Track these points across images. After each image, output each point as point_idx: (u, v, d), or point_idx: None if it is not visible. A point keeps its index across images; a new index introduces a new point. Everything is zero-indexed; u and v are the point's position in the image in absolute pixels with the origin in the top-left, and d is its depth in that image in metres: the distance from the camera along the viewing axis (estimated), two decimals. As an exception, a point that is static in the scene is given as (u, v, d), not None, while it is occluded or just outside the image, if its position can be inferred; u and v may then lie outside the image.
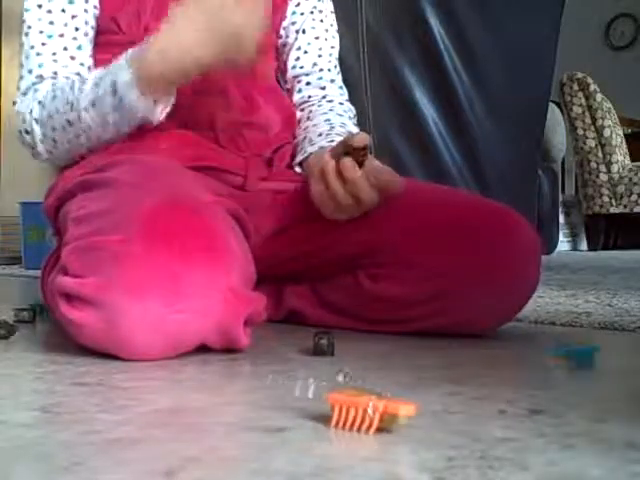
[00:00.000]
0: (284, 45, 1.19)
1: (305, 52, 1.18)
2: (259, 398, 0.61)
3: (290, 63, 1.18)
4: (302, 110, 1.17)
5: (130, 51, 0.93)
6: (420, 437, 0.48)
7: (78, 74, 1.03)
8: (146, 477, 0.40)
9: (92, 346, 0.77)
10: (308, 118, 1.15)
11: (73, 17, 1.04)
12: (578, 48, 5.52)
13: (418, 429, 0.50)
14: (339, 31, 1.24)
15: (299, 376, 0.69)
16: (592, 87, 4.40)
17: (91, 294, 0.74)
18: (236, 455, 0.45)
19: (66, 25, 1.04)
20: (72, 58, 1.04)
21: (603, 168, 4.40)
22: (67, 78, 1.03)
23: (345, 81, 1.26)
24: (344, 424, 0.49)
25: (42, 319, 1.08)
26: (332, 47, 1.20)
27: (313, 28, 1.18)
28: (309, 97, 1.17)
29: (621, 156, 4.46)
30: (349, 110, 1.19)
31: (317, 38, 1.18)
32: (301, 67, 1.17)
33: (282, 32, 1.19)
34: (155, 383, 0.67)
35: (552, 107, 3.31)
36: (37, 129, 1.01)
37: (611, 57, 6.14)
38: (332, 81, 1.18)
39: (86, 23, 1.06)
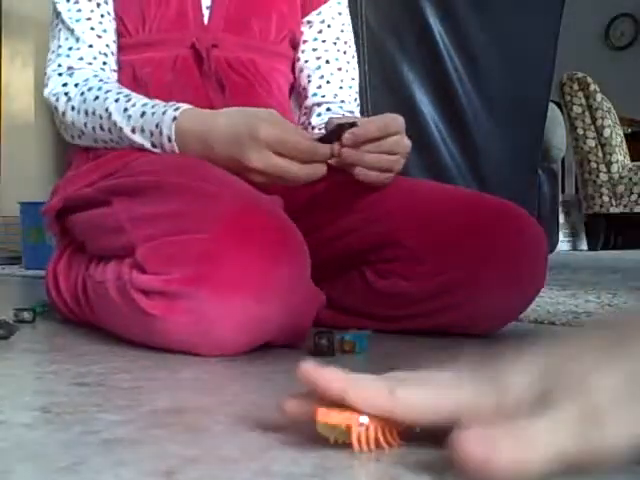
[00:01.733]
0: (302, 70, 1.19)
1: (328, 82, 1.18)
2: (259, 398, 0.61)
3: (311, 90, 1.18)
4: (320, 129, 1.17)
5: (182, 107, 0.95)
6: (420, 437, 0.48)
7: (105, 55, 1.10)
8: (146, 477, 0.40)
9: (176, 341, 0.78)
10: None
11: (98, 5, 1.11)
12: (578, 48, 5.52)
13: (418, 429, 0.50)
14: None
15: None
16: (592, 87, 4.40)
17: (179, 289, 0.76)
18: (236, 455, 0.45)
19: (92, 11, 1.11)
20: (99, 37, 1.10)
21: (603, 168, 4.40)
22: (102, 70, 1.09)
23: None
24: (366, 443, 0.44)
25: (42, 319, 1.08)
26: (353, 79, 1.21)
27: (337, 59, 1.18)
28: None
29: (621, 156, 4.46)
30: None
31: (339, 69, 1.19)
32: (322, 96, 1.18)
33: (300, 55, 1.19)
34: (155, 383, 0.67)
35: (552, 107, 3.31)
36: (69, 114, 1.05)
37: (611, 57, 6.14)
38: (351, 113, 1.19)
39: (108, 13, 1.12)
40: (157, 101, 0.98)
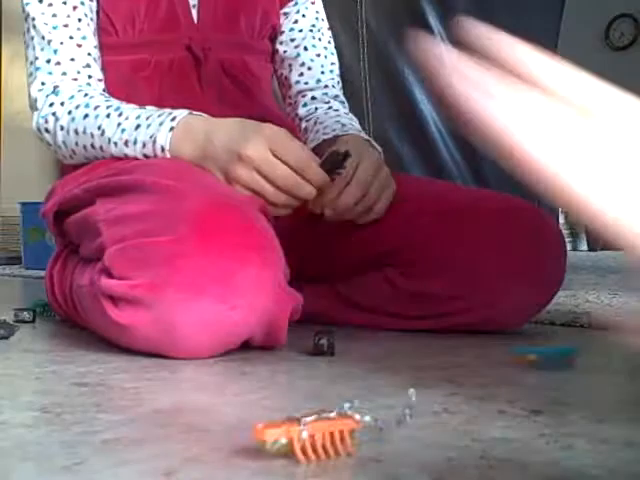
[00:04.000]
0: (282, 60, 1.21)
1: (309, 68, 1.19)
2: (259, 398, 0.61)
3: (294, 78, 1.20)
4: (308, 120, 1.18)
5: (179, 117, 0.92)
6: (420, 437, 0.48)
7: (88, 66, 1.03)
8: (146, 477, 0.40)
9: (143, 347, 0.77)
10: (315, 123, 1.16)
11: (74, 8, 1.04)
12: (578, 48, 5.52)
13: (418, 429, 0.50)
14: (339, 30, 1.25)
15: (298, 375, 0.69)
16: (592, 87, 4.39)
17: (143, 295, 0.75)
18: (236, 455, 0.45)
19: (69, 16, 1.04)
20: (79, 46, 1.04)
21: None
22: (88, 85, 1.03)
23: (345, 81, 1.26)
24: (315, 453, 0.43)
25: (42, 319, 1.08)
26: (332, 64, 1.22)
27: (314, 46, 1.20)
28: (315, 109, 1.19)
29: (621, 156, 4.46)
30: (353, 119, 1.20)
31: (318, 55, 1.20)
32: (305, 83, 1.19)
33: (279, 46, 1.20)
34: (155, 383, 0.67)
35: (552, 107, 3.30)
36: (60, 135, 1.01)
37: (611, 57, 6.13)
38: (336, 96, 1.21)
39: (86, 15, 1.05)
40: (150, 109, 0.95)
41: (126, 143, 0.94)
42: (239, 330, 0.77)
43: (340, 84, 1.23)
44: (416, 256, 0.99)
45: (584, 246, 4.68)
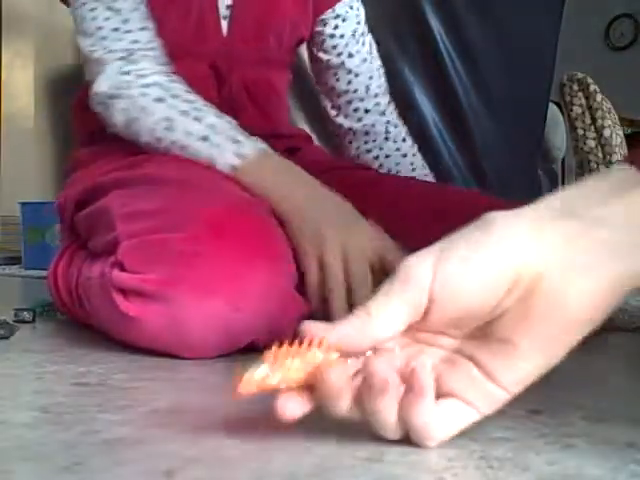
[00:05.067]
0: (327, 68, 1.19)
1: (356, 75, 1.19)
2: (259, 398, 0.61)
3: (342, 87, 1.19)
4: (367, 134, 1.19)
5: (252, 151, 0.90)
6: (420, 437, 0.48)
7: (153, 45, 0.99)
8: (146, 477, 0.40)
9: (149, 342, 0.77)
10: (380, 154, 1.19)
11: None
12: (578, 48, 5.52)
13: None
14: None
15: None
16: (592, 87, 4.39)
17: (155, 289, 0.75)
18: (236, 455, 0.45)
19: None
20: (146, 19, 0.99)
21: (603, 168, 4.40)
22: (164, 65, 0.98)
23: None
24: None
25: (42, 319, 1.08)
26: (379, 68, 1.22)
27: (358, 52, 1.19)
28: (372, 126, 1.19)
29: (621, 156, 4.46)
30: (405, 131, 1.22)
31: (364, 61, 1.20)
32: (354, 91, 1.19)
33: (321, 55, 1.19)
34: (155, 383, 0.67)
35: (552, 107, 3.31)
36: (123, 103, 0.96)
37: (611, 57, 6.13)
38: (389, 103, 1.21)
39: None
40: (230, 124, 0.93)
41: (182, 147, 0.92)
42: (243, 332, 0.78)
43: (387, 88, 1.22)
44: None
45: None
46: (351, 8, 1.19)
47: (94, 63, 0.99)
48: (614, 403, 0.62)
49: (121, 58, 0.97)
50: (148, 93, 0.95)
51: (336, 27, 1.18)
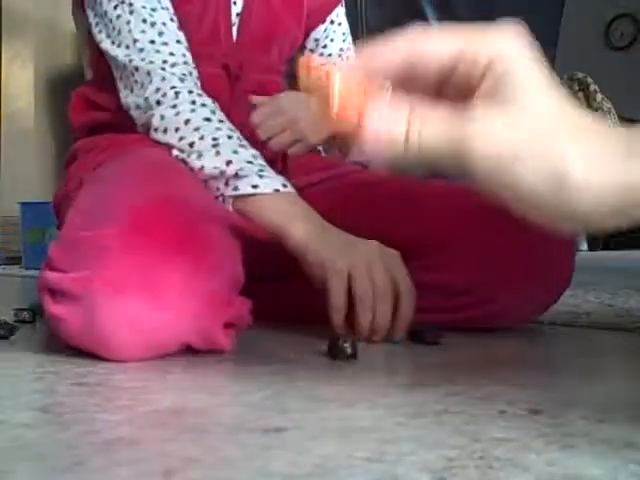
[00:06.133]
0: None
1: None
2: (259, 398, 0.61)
3: None
4: None
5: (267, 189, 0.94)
6: (420, 437, 0.48)
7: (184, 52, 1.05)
8: (146, 477, 0.40)
9: (71, 342, 0.76)
10: None
11: None
12: (578, 48, 5.52)
13: (418, 429, 0.50)
14: None
15: (299, 377, 0.69)
16: (592, 87, 4.39)
17: (71, 288, 0.73)
18: (236, 455, 0.45)
19: (160, 1, 1.07)
20: (179, 30, 1.07)
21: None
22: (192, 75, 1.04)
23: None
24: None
25: (42, 319, 1.08)
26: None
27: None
28: None
29: (621, 156, 4.46)
30: None
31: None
32: None
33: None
34: (155, 383, 0.67)
35: (552, 107, 3.30)
36: (162, 110, 1.00)
37: (611, 57, 6.13)
38: None
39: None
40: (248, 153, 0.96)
41: (200, 155, 0.95)
42: (166, 333, 0.74)
43: None
44: (431, 252, 1.00)
45: (584, 246, 4.68)
46: (339, 25, 1.28)
47: (130, 71, 1.04)
48: (614, 403, 0.62)
49: (162, 69, 1.02)
50: (195, 109, 0.99)
51: (325, 46, 1.26)
